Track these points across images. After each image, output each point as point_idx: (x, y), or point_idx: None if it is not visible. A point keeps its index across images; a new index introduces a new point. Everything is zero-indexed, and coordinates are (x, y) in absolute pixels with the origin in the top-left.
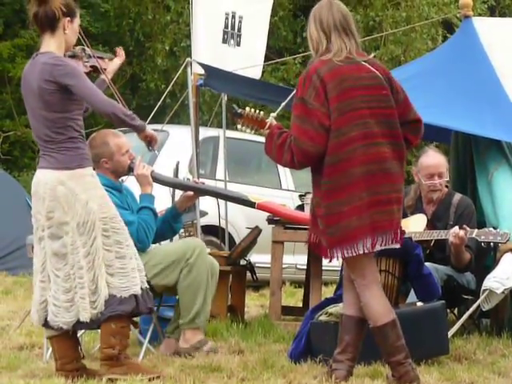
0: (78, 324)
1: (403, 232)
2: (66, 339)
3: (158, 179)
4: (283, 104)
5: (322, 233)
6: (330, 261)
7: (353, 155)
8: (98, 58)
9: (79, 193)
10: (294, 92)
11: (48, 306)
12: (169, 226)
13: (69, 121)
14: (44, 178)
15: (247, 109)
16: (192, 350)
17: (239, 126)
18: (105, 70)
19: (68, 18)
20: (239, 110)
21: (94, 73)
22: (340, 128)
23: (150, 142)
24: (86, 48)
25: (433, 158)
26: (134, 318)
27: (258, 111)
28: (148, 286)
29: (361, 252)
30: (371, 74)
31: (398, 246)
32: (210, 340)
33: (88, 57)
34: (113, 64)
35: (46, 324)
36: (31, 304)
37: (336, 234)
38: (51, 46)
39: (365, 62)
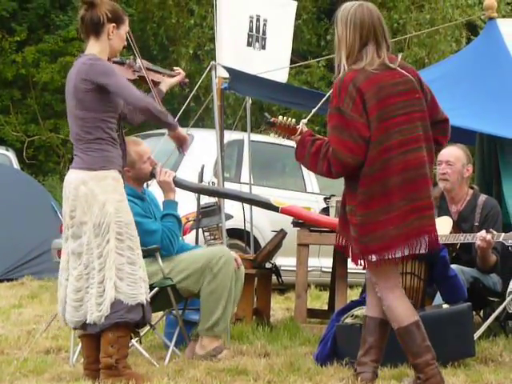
0: (86, 325)
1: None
2: (93, 339)
3: (180, 184)
4: (314, 110)
5: (354, 240)
6: (364, 268)
7: (389, 164)
8: (157, 72)
9: (98, 194)
10: (325, 99)
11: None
12: None
13: (99, 121)
14: (70, 178)
15: (280, 117)
16: (207, 357)
17: (271, 135)
18: (155, 82)
19: (113, 24)
20: (271, 119)
21: (144, 83)
22: (378, 138)
23: (181, 143)
24: (138, 59)
25: (445, 149)
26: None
27: (289, 119)
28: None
29: (398, 257)
30: (405, 79)
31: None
32: (226, 348)
33: (139, 68)
34: (170, 80)
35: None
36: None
37: (371, 242)
38: (94, 49)
39: (397, 66)
